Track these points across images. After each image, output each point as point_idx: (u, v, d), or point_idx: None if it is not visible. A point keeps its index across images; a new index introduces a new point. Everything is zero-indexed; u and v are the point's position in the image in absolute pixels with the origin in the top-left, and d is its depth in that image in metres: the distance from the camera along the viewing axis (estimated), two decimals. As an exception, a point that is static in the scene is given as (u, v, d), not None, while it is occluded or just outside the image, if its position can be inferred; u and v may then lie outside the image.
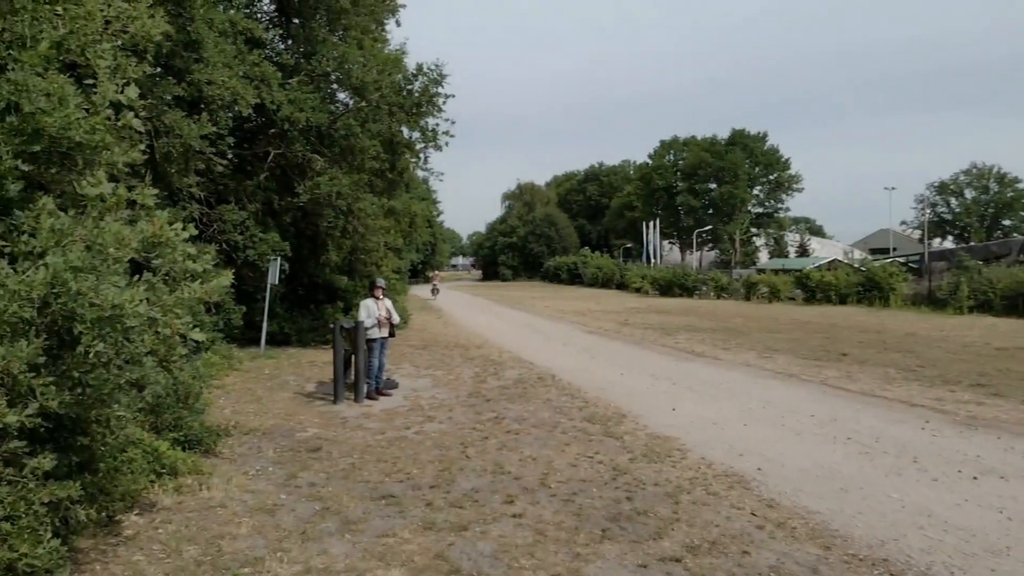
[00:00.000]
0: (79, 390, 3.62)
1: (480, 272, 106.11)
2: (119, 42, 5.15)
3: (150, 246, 3.79)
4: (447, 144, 15.97)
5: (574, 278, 68.15)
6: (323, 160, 14.51)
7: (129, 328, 3.45)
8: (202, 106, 10.52)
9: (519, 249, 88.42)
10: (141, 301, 3.38)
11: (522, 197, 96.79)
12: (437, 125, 15.90)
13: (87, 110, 4.46)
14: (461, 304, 37.49)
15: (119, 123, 4.53)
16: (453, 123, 16.04)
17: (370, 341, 10.43)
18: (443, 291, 47.72)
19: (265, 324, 15.06)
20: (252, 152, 14.91)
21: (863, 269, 33.75)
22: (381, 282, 10.84)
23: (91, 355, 3.28)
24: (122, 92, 4.52)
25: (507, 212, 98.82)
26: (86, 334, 3.30)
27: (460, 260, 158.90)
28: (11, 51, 4.65)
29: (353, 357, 10.50)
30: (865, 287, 32.46)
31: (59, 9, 5.03)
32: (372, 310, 10.49)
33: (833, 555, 4.89)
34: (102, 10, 5.07)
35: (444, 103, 15.28)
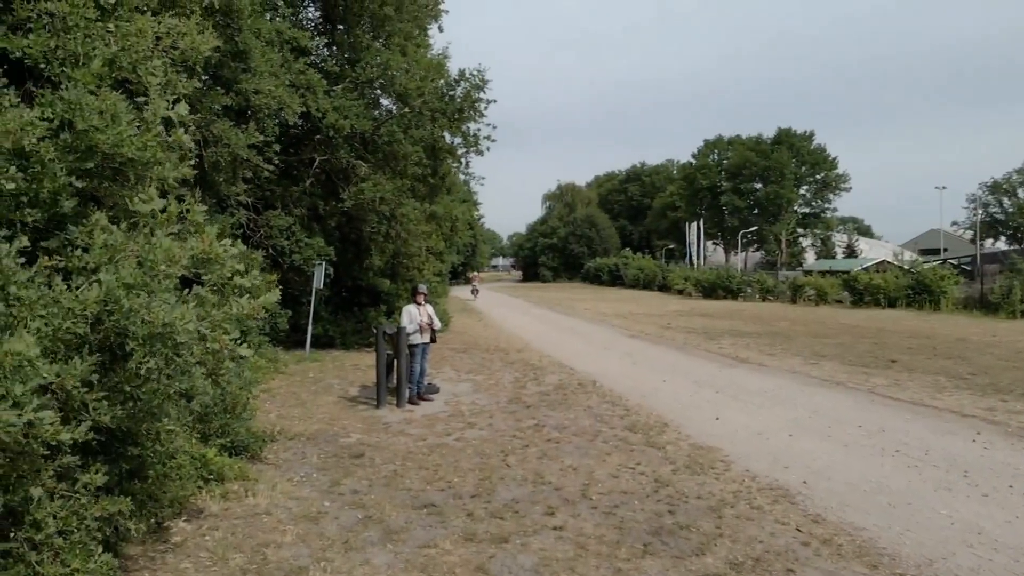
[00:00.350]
0: (130, 404, 3.71)
1: (520, 273, 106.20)
2: (169, 58, 5.27)
3: (200, 262, 3.86)
4: (488, 149, 16.02)
5: (615, 279, 67.69)
6: (367, 166, 14.68)
7: (179, 343, 3.52)
8: (249, 114, 10.74)
9: (559, 250, 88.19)
10: (191, 319, 3.44)
11: (563, 198, 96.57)
12: (479, 130, 15.97)
13: (139, 127, 4.56)
14: (501, 306, 37.59)
15: (170, 139, 4.63)
16: (495, 128, 16.09)
17: (412, 346, 10.51)
18: (483, 292, 48.81)
19: (310, 328, 15.31)
20: (298, 158, 15.17)
21: (913, 271, 32.72)
22: (423, 288, 10.91)
23: (143, 371, 3.36)
24: (172, 108, 4.62)
25: (548, 213, 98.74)
26: (138, 350, 3.38)
27: (500, 261, 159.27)
28: (64, 68, 4.80)
29: (395, 361, 10.59)
30: (915, 290, 31.52)
31: (111, 27, 5.17)
32: (414, 316, 10.56)
33: (880, 574, 4.74)
34: (153, 27, 5.19)
35: (486, 108, 15.34)
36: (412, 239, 15.07)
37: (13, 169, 3.96)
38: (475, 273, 64.90)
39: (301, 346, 15.58)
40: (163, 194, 4.59)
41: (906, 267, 38.47)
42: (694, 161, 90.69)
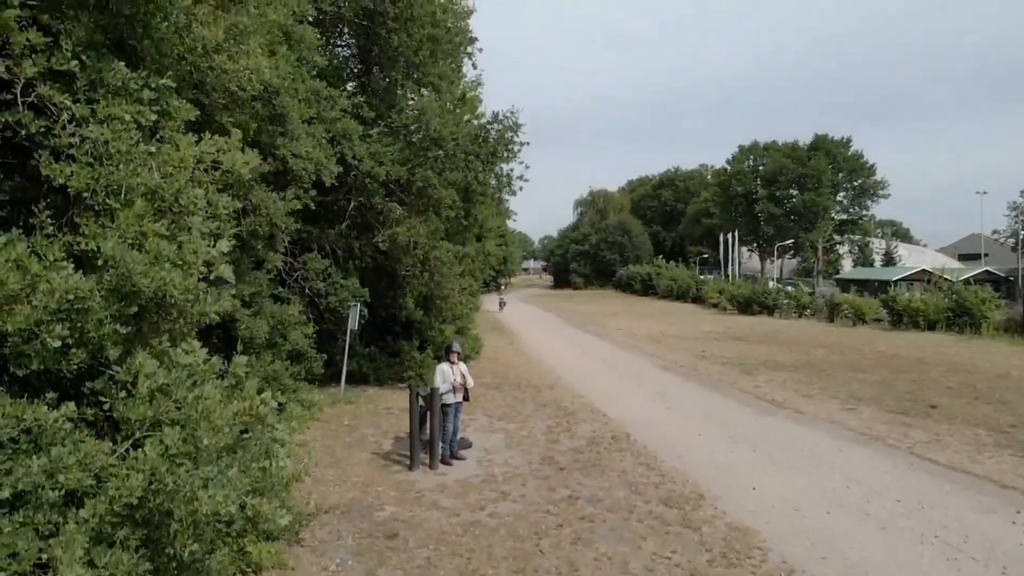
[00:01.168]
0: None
1: (551, 278, 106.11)
2: (210, 180, 5.37)
3: (242, 423, 3.93)
4: (521, 189, 16.03)
5: (648, 288, 67.16)
6: (402, 209, 14.78)
7: (221, 517, 3.57)
8: (289, 178, 10.91)
9: (591, 257, 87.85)
10: (233, 496, 3.49)
11: (595, 204, 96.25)
12: (511, 170, 15.97)
13: (180, 266, 4.65)
14: (532, 324, 37.55)
15: (212, 276, 4.71)
16: (528, 167, 16.07)
17: (445, 405, 10.56)
18: (515, 303, 50.02)
19: (345, 369, 15.48)
20: (334, 199, 15.37)
21: (953, 294, 31.95)
22: (456, 347, 10.96)
23: (186, 555, 3.43)
24: (214, 246, 4.70)
25: (579, 219, 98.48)
26: (181, 533, 3.45)
27: (532, 264, 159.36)
28: (108, 200, 4.90)
29: (428, 416, 10.66)
30: (955, 312, 30.80)
31: (152, 149, 5.27)
32: (447, 375, 10.62)
33: None
34: (194, 152, 5.28)
35: (519, 150, 15.33)
36: (445, 282, 15.14)
37: (59, 327, 4.07)
38: (504, 284, 65.13)
39: (336, 380, 15.76)
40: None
41: (944, 276, 37.59)
42: (729, 167, 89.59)
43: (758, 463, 10.64)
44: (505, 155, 15.24)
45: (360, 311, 15.15)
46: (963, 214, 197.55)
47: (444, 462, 10.46)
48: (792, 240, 77.47)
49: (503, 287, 58.47)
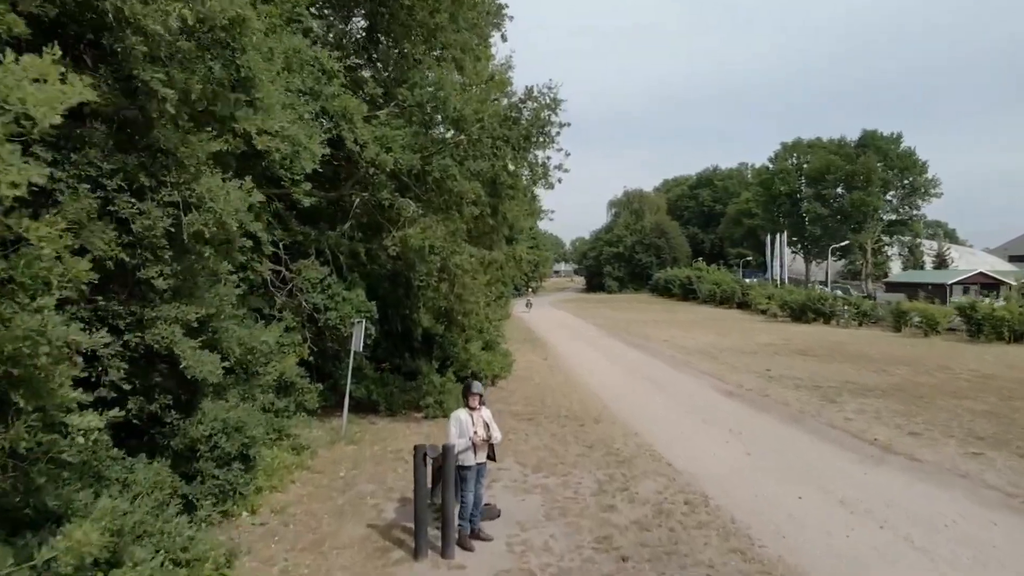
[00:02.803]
0: None
1: (583, 281, 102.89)
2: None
3: None
4: (560, 181, 13.22)
5: (688, 293, 63.58)
6: (416, 206, 12.12)
7: None
8: (263, 165, 8.31)
9: (626, 260, 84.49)
10: None
11: (630, 205, 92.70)
12: (548, 158, 13.17)
13: None
14: (566, 333, 34.47)
15: None
16: (568, 155, 13.26)
17: (463, 468, 7.82)
18: (546, 308, 51.65)
19: (347, 399, 12.85)
20: (338, 195, 12.77)
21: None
22: (478, 387, 8.15)
23: None
24: None
25: (613, 220, 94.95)
26: None
27: (563, 266, 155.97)
28: None
29: (440, 482, 7.91)
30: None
31: None
32: (466, 427, 7.84)
33: None
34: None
35: (558, 133, 12.53)
36: (468, 293, 12.42)
37: None
38: (534, 285, 63.52)
39: (339, 408, 13.14)
40: None
41: (1001, 278, 33.94)
42: (771, 165, 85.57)
43: (896, 550, 7.68)
44: (540, 139, 12.45)
45: (365, 328, 12.51)
46: (1010, 213, 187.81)
47: (462, 545, 7.70)
48: (845, 242, 73.01)
49: (530, 291, 58.82)
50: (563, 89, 12.16)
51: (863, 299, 40.03)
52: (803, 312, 39.79)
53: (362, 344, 12.50)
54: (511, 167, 12.34)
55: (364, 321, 12.43)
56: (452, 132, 11.90)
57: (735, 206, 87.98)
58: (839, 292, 56.60)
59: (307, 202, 10.75)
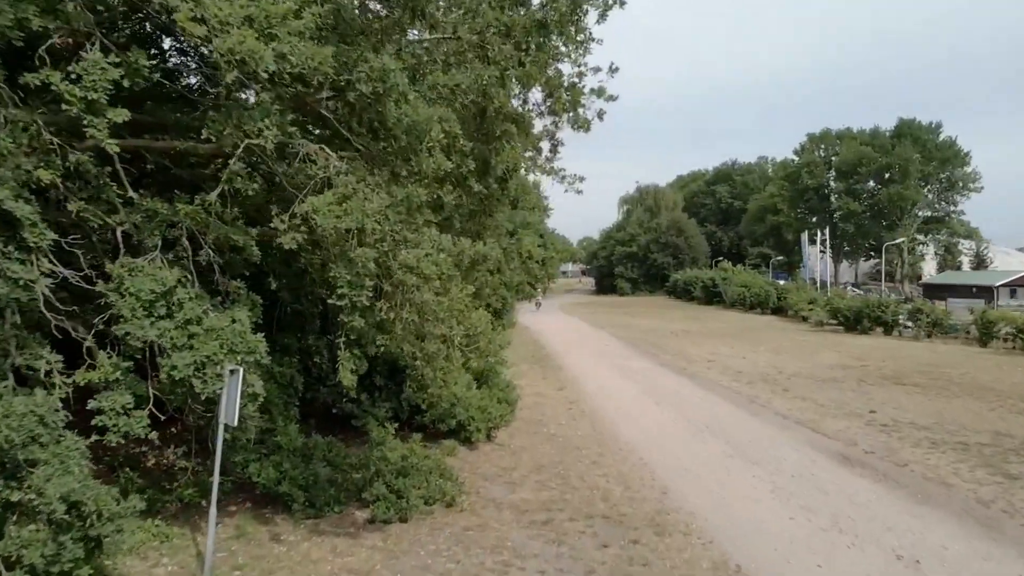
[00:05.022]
0: None
1: (592, 282, 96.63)
2: None
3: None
4: (603, 114, 7.41)
5: (711, 297, 57.35)
6: (336, 156, 6.37)
7: None
8: None
9: (640, 260, 78.29)
10: None
11: (643, 201, 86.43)
12: (579, 76, 7.36)
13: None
14: (584, 349, 28.18)
15: None
16: (615, 71, 7.45)
17: None
18: (557, 313, 48.38)
19: (213, 508, 7.07)
20: (195, 142, 6.98)
21: None
22: None
23: None
24: None
25: (625, 218, 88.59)
26: None
27: (570, 267, 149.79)
28: None
29: None
30: None
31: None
32: None
33: None
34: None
35: (599, 21, 6.72)
36: (431, 317, 6.63)
37: None
38: (541, 288, 58.72)
39: (239, 496, 7.47)
40: None
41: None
42: (796, 158, 79.54)
43: None
44: (569, 35, 6.66)
45: (246, 384, 6.77)
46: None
47: None
48: (894, 240, 66.70)
49: (539, 293, 53.86)
50: None
51: (934, 307, 34.03)
52: (859, 321, 33.81)
53: (237, 412, 6.74)
54: (512, 86, 6.55)
55: (240, 371, 6.67)
56: (399, 12, 6.11)
57: (757, 202, 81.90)
58: (860, 294, 51.17)
59: (113, 147, 5.24)
